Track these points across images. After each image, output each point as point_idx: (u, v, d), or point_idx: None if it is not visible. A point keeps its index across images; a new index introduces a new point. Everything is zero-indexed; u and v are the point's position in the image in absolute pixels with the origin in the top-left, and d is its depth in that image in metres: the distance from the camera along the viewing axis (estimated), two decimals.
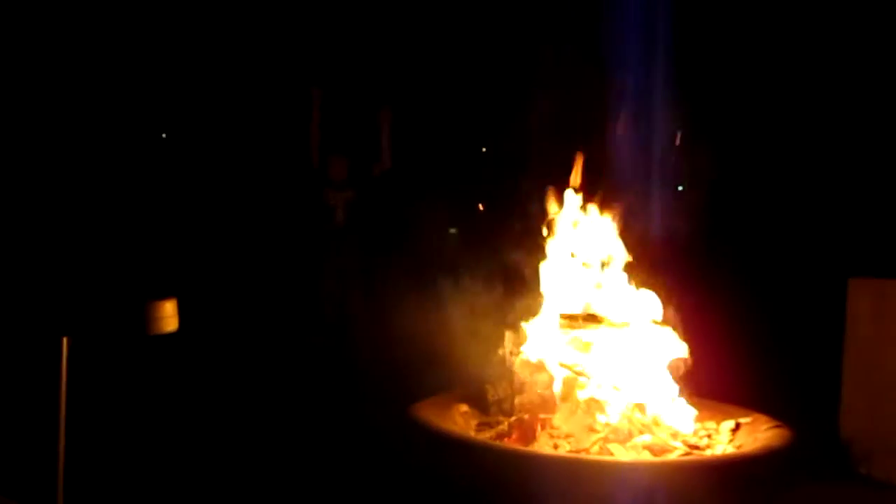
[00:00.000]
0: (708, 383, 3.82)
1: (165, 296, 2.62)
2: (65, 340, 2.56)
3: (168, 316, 2.59)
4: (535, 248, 3.96)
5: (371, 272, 6.88)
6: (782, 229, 10.59)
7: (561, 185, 4.03)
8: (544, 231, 3.94)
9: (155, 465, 4.20)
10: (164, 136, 13.63)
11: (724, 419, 3.62)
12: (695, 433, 3.52)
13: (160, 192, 11.59)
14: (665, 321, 3.73)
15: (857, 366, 4.47)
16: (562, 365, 3.61)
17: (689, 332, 3.70)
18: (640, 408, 3.53)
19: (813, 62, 10.38)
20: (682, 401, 3.64)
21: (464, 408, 3.71)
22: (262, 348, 6.92)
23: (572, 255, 3.89)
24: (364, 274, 6.85)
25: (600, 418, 3.44)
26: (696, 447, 3.39)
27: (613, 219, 3.90)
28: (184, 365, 6.08)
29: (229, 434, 4.76)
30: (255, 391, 5.78)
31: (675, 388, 3.64)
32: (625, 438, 3.33)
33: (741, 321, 7.05)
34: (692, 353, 3.66)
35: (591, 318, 3.67)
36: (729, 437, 3.50)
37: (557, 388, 3.59)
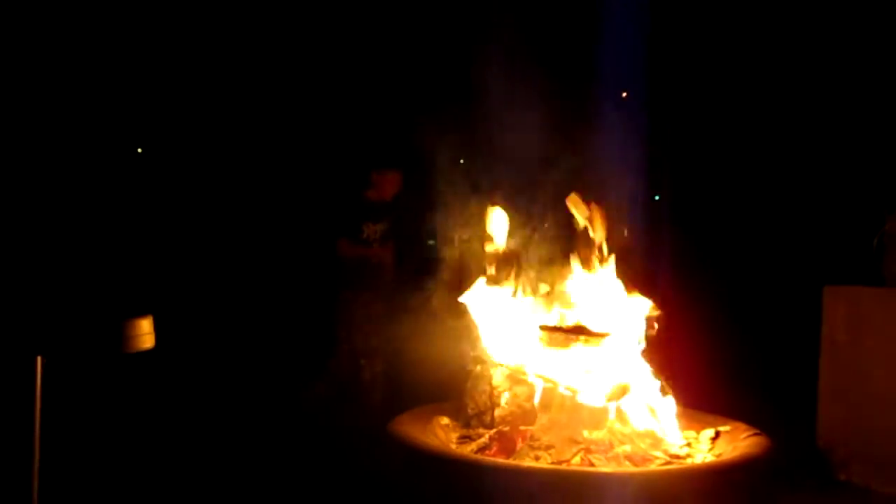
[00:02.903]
0: (687, 392, 3.84)
1: (142, 313, 2.59)
2: (39, 360, 2.53)
3: (144, 333, 2.57)
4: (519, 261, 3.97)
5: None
6: (758, 238, 10.68)
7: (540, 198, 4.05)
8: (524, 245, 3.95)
9: (131, 488, 4.14)
10: (139, 150, 13.53)
11: (704, 428, 3.63)
12: (675, 442, 3.53)
13: (137, 208, 11.50)
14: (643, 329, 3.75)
15: (834, 373, 4.50)
16: (542, 377, 3.61)
17: (668, 341, 3.72)
18: (621, 418, 3.53)
19: (787, 74, 10.52)
20: (663, 410, 3.66)
21: (444, 420, 3.70)
22: (246, 377, 6.65)
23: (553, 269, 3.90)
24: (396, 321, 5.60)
25: (581, 430, 3.44)
26: (677, 456, 3.40)
27: (594, 229, 3.90)
28: (162, 384, 6.02)
29: (208, 455, 4.71)
30: (234, 411, 5.72)
31: (657, 397, 3.65)
32: (606, 449, 3.33)
33: (718, 330, 7.10)
34: (671, 362, 3.68)
35: (571, 329, 3.67)
36: (709, 445, 3.52)
37: (537, 400, 3.59)
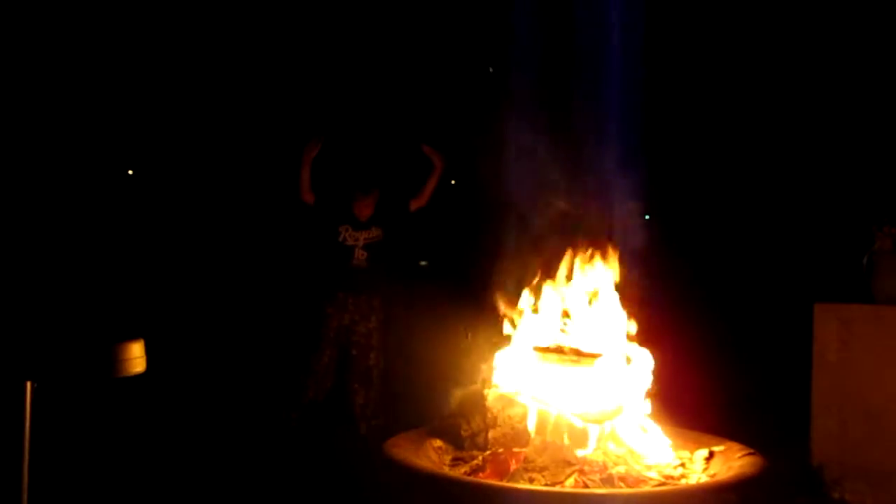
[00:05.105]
0: (680, 412, 3.83)
1: (132, 337, 2.58)
2: (28, 385, 2.51)
3: (135, 357, 2.55)
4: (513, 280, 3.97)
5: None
6: (749, 256, 10.73)
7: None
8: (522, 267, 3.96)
9: None
10: (130, 172, 13.53)
11: (698, 448, 3.63)
12: (669, 463, 3.52)
13: (126, 231, 11.48)
14: (636, 351, 3.75)
15: (826, 390, 4.50)
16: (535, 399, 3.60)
17: (660, 361, 3.71)
18: (615, 439, 3.52)
19: (776, 91, 10.61)
20: (656, 430, 3.65)
21: (437, 443, 3.68)
22: (231, 401, 6.60)
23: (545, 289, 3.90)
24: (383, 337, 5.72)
25: (575, 451, 3.43)
26: (671, 477, 3.39)
27: (586, 253, 3.92)
28: (152, 409, 5.97)
29: (200, 478, 4.67)
30: (224, 435, 5.68)
31: (649, 417, 3.64)
32: (600, 470, 3.32)
33: (710, 350, 7.11)
34: (663, 382, 3.68)
35: (564, 351, 3.67)
36: (703, 465, 3.51)
37: (531, 421, 3.58)
